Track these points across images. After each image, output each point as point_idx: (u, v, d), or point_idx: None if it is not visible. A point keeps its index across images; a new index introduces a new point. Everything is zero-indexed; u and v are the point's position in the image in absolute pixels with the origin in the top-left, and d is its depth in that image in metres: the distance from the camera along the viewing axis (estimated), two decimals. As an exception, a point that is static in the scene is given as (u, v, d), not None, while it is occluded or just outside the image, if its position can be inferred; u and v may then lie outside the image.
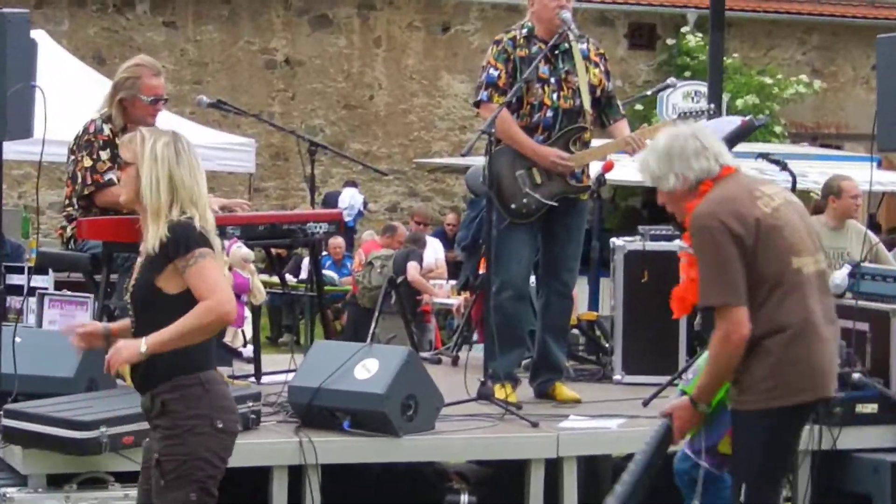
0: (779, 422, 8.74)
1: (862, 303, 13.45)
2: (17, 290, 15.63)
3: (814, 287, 8.69)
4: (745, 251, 8.51)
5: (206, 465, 8.47)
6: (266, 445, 11.36)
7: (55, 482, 9.73)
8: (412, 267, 24.36)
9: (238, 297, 13.14)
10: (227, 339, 14.38)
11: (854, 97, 31.61)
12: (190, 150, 8.48)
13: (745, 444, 8.84)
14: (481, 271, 13.97)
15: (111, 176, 12.13)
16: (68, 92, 14.39)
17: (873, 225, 28.06)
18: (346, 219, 27.25)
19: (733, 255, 8.50)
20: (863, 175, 19.49)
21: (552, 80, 12.74)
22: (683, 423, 8.98)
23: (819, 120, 32.28)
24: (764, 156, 16.96)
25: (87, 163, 12.25)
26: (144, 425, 10.86)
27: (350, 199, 27.94)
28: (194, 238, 8.28)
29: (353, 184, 27.92)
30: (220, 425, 8.52)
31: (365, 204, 28.77)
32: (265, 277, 14.38)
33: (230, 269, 12.84)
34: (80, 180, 12.29)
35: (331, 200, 26.74)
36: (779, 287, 8.57)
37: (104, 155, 12.26)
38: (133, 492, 10.66)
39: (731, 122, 14.57)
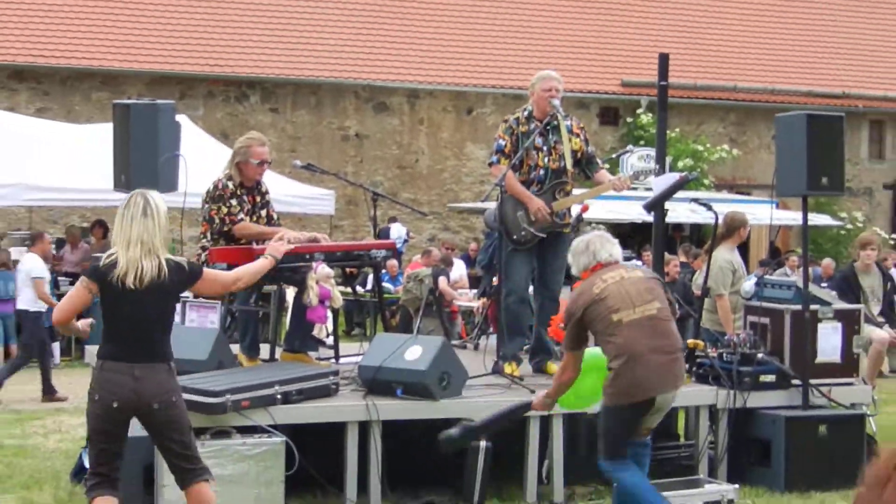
0: (614, 412, 9.95)
1: (764, 304, 13.55)
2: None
3: (633, 328, 9.73)
4: (581, 322, 9.89)
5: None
6: (342, 407, 11.42)
7: (196, 433, 9.72)
8: (443, 281, 24.38)
9: (322, 301, 13.17)
10: (315, 333, 14.40)
11: (760, 159, 31.44)
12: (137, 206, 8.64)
13: (603, 422, 10.09)
14: (494, 283, 14.03)
15: (241, 216, 12.26)
16: (202, 159, 14.44)
17: (774, 248, 28.01)
18: (398, 245, 27.31)
19: (574, 326, 9.97)
20: (766, 213, 19.49)
21: (544, 148, 12.80)
22: (538, 404, 10.56)
23: (735, 175, 32.16)
24: (696, 200, 16.99)
25: (224, 210, 12.29)
26: (258, 392, 11.01)
27: (397, 232, 27.94)
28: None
29: (394, 219, 27.92)
30: (97, 397, 8.66)
31: (407, 234, 28.74)
32: (342, 288, 14.36)
33: (317, 282, 12.96)
34: (216, 222, 12.33)
35: (383, 233, 26.75)
36: (609, 334, 9.78)
37: (234, 202, 12.33)
38: (250, 439, 10.79)
39: (672, 177, 14.63)
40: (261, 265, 10.08)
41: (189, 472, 8.84)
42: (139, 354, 8.61)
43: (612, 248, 10.21)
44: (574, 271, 10.43)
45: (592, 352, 10.22)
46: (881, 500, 1.64)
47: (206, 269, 9.17)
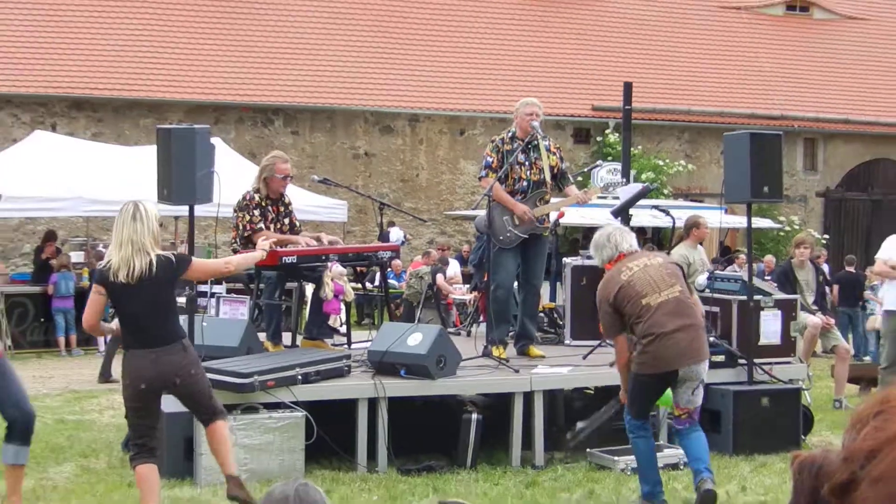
0: (640, 380, 9.80)
1: (715, 295, 13.57)
2: (203, 294, 15.74)
3: (661, 310, 9.57)
4: (614, 307, 9.71)
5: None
6: (354, 386, 11.43)
7: (228, 409, 9.72)
8: (440, 277, 24.37)
9: (336, 296, 13.19)
10: (330, 322, 14.42)
11: (711, 171, 31.41)
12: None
13: (632, 388, 9.86)
14: (484, 279, 14.03)
15: (261, 225, 12.30)
16: (233, 175, 14.44)
17: (724, 248, 27.99)
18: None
19: (609, 313, 9.79)
20: (716, 218, 19.49)
21: (526, 163, 12.82)
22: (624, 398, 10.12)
23: (690, 185, 32.16)
24: (656, 207, 17.01)
25: (247, 218, 12.35)
26: (281, 373, 11.02)
27: (395, 235, 27.91)
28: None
29: (393, 224, 27.91)
30: (127, 382, 8.81)
31: (405, 236, 28.69)
32: (353, 284, 14.35)
33: (332, 279, 12.96)
34: (241, 229, 12.40)
35: (384, 236, 26.75)
36: (639, 316, 9.58)
37: (256, 213, 12.37)
38: (276, 413, 10.78)
39: (636, 187, 14.69)
40: (251, 256, 10.46)
41: (209, 416, 9.09)
42: (152, 340, 8.73)
43: (632, 239, 10.14)
44: (597, 262, 10.30)
45: None
46: (858, 439, 1.61)
47: (194, 259, 9.21)
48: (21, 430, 9.44)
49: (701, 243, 16.23)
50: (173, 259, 8.78)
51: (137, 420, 8.97)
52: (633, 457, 11.55)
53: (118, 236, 8.63)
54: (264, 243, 10.59)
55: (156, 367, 8.68)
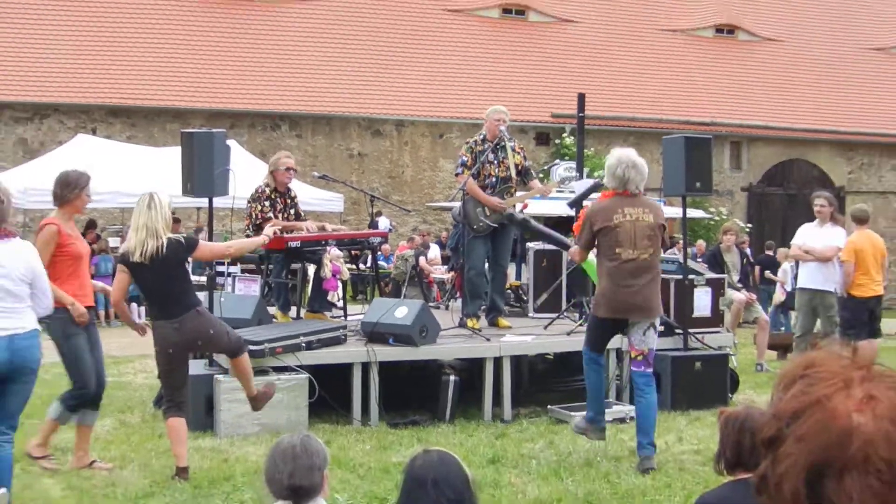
0: (595, 320, 9.74)
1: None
2: (221, 273, 15.73)
3: (628, 265, 9.34)
4: (593, 233, 9.46)
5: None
6: (349, 352, 11.44)
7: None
8: (422, 260, 24.45)
9: (334, 275, 13.20)
10: (329, 298, 14.43)
11: (652, 169, 31.11)
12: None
13: (588, 324, 10.05)
14: (460, 262, 14.04)
15: (270, 214, 12.35)
16: (246, 172, 14.45)
17: (663, 235, 28.01)
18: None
19: (588, 232, 9.51)
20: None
21: (495, 162, 12.84)
22: (573, 255, 10.37)
23: (634, 180, 32.13)
24: (605, 200, 17.01)
25: (258, 209, 12.40)
26: (288, 341, 11.03)
27: (383, 223, 27.88)
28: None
29: (380, 213, 27.88)
30: (157, 349, 8.96)
31: (391, 224, 28.67)
32: (349, 265, 14.37)
33: (330, 261, 12.97)
34: (253, 217, 12.43)
35: (373, 224, 26.71)
36: (608, 258, 9.38)
37: (266, 204, 12.44)
38: (283, 375, 10.78)
39: (589, 182, 14.68)
40: (254, 241, 10.77)
41: (232, 353, 9.32)
42: (171, 311, 8.82)
43: (640, 182, 9.71)
44: (605, 181, 9.97)
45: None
46: (785, 399, 1.61)
47: (201, 242, 9.40)
48: (95, 397, 9.50)
49: None
50: (182, 241, 8.83)
51: (168, 380, 9.11)
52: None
53: (135, 222, 8.74)
54: (269, 230, 10.71)
55: (180, 335, 8.80)
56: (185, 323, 8.80)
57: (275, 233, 11.03)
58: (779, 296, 23.26)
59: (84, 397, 9.37)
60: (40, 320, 8.04)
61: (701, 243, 26.96)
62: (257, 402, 9.72)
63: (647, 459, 9.39)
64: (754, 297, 16.98)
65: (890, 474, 1.53)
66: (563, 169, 21.38)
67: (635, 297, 9.38)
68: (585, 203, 14.52)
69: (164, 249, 8.58)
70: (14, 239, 7.78)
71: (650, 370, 9.66)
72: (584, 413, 10.06)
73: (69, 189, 9.28)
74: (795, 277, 17.59)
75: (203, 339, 9.09)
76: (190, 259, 9.67)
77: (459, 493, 4.11)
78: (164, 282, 8.76)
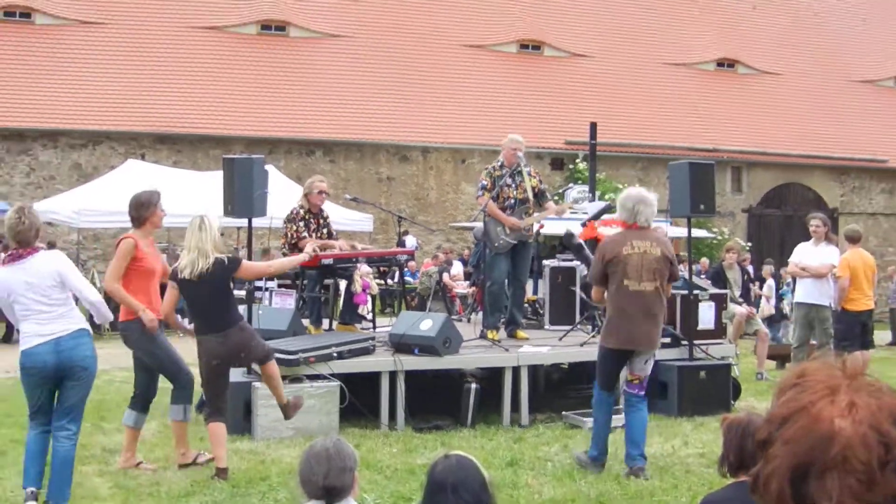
0: (602, 351, 9.39)
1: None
2: (259, 288, 15.70)
3: (635, 297, 9.06)
4: (604, 265, 9.09)
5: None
6: (378, 361, 11.37)
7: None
8: (445, 276, 24.38)
9: (364, 290, 13.14)
10: (359, 311, 14.37)
11: (659, 192, 31.01)
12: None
13: (598, 359, 9.54)
14: (481, 277, 14.00)
15: (304, 234, 12.30)
16: (282, 195, 14.45)
17: (668, 253, 27.92)
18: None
19: (599, 266, 9.15)
20: (663, 229, 19.40)
21: (513, 185, 12.81)
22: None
23: (642, 203, 32.01)
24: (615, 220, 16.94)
25: (293, 229, 12.37)
26: (320, 351, 10.97)
27: (410, 242, 27.89)
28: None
29: (407, 233, 27.85)
30: (203, 360, 8.99)
31: (417, 243, 28.68)
32: (377, 281, 14.33)
33: (361, 277, 12.92)
34: (289, 237, 12.40)
35: (400, 243, 26.66)
36: (616, 288, 9.07)
37: (301, 224, 12.40)
38: (316, 383, 10.71)
39: (600, 204, 14.65)
40: (293, 259, 10.58)
41: (262, 361, 9.35)
42: (216, 326, 8.81)
43: (650, 216, 9.30)
44: (617, 214, 9.61)
45: None
46: (777, 406, 1.61)
47: (244, 261, 9.26)
48: (146, 402, 9.66)
49: None
50: (226, 261, 8.79)
51: (210, 388, 9.08)
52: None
53: (187, 242, 8.79)
54: (309, 248, 10.66)
55: (224, 348, 8.81)
56: (229, 337, 8.82)
57: (314, 250, 11.01)
58: (766, 309, 23.09)
59: (191, 387, 9.45)
60: (120, 333, 8.46)
61: (705, 261, 26.83)
62: (288, 410, 9.69)
63: (641, 470, 9.16)
64: (755, 310, 16.89)
65: (867, 475, 1.54)
66: (576, 191, 21.34)
67: (640, 328, 9.15)
68: (596, 224, 14.56)
69: (211, 268, 8.60)
70: (37, 254, 7.80)
71: (643, 392, 9.49)
72: (588, 449, 9.66)
73: (144, 208, 9.40)
74: (792, 292, 17.53)
75: (245, 352, 9.10)
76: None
77: (477, 496, 4.13)
78: (209, 298, 8.76)
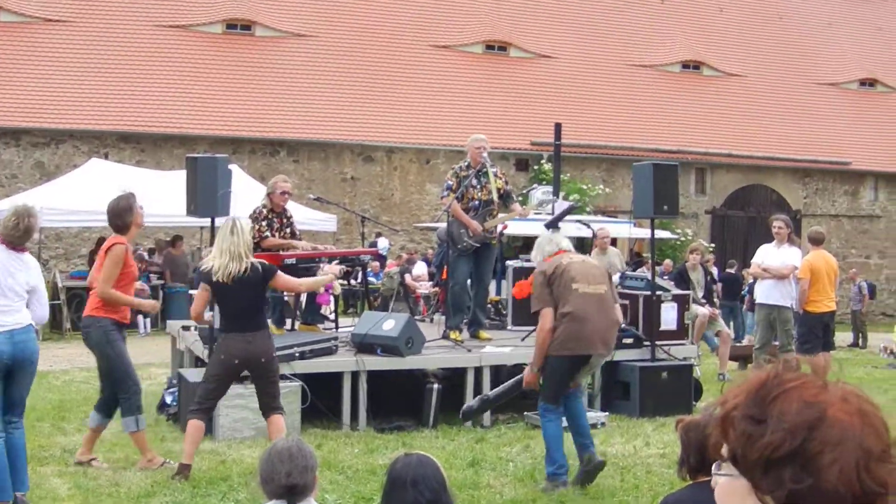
0: (557, 361, 8.87)
1: (625, 290, 13.55)
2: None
3: (587, 299, 8.80)
4: (549, 279, 8.79)
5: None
6: (339, 361, 11.40)
7: (240, 379, 9.67)
8: (408, 276, 24.38)
9: (327, 290, 13.12)
10: (322, 311, 14.36)
11: (623, 193, 31.41)
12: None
13: (547, 371, 8.95)
14: (444, 278, 14.00)
15: (267, 233, 12.25)
16: (244, 194, 14.41)
17: (634, 254, 28.05)
18: (382, 253, 27.25)
19: (542, 283, 8.84)
20: (627, 230, 19.49)
21: (478, 186, 12.83)
22: (529, 380, 9.15)
23: (606, 204, 32.14)
24: (580, 221, 17.02)
25: (256, 228, 12.33)
26: (283, 351, 10.92)
27: (383, 243, 27.87)
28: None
29: (380, 234, 27.83)
30: (222, 357, 8.99)
31: (389, 244, 28.71)
32: (340, 281, 14.32)
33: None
34: (253, 236, 12.37)
35: (373, 244, 26.66)
36: (566, 297, 8.75)
37: (264, 224, 12.36)
38: (280, 383, 10.68)
39: (564, 204, 14.70)
40: (321, 279, 10.26)
41: (271, 406, 9.08)
42: (246, 326, 8.80)
43: (569, 242, 9.32)
44: (539, 259, 9.22)
45: None
46: (789, 414, 1.68)
47: (279, 273, 9.15)
48: (113, 404, 9.63)
49: (605, 250, 16.41)
50: (260, 268, 8.79)
51: (212, 386, 9.09)
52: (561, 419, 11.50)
53: (219, 246, 8.81)
54: (335, 268, 10.62)
55: (249, 348, 8.81)
56: (256, 339, 8.84)
57: (339, 271, 10.96)
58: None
59: (139, 395, 9.45)
60: (82, 329, 8.89)
61: (668, 262, 26.94)
62: None
63: (595, 456, 9.01)
64: (717, 311, 16.97)
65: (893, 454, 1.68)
66: (540, 192, 21.41)
67: (598, 330, 8.87)
68: (561, 224, 14.60)
69: (247, 272, 8.65)
70: (25, 253, 8.22)
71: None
72: (548, 474, 9.05)
73: (127, 214, 9.41)
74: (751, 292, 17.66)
75: (266, 358, 8.97)
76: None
77: (436, 493, 4.16)
78: (242, 301, 8.78)
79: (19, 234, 8.09)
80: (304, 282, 10.03)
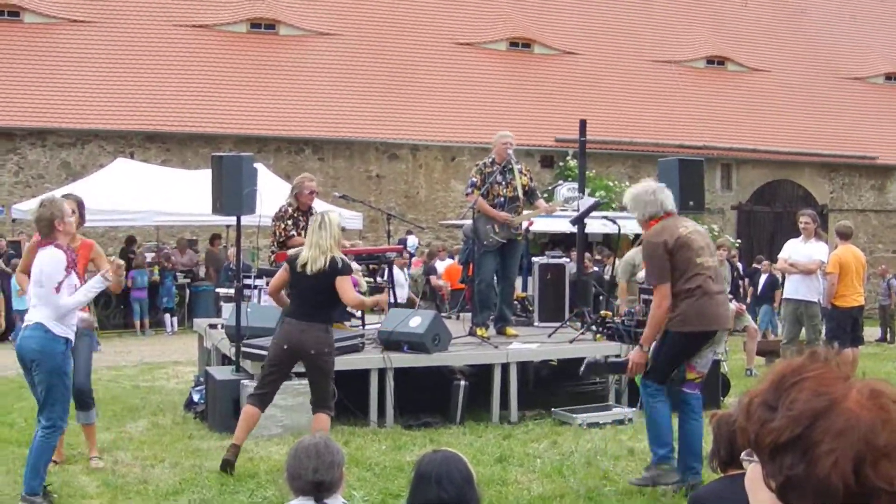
0: (677, 337, 8.25)
1: (652, 286, 13.48)
2: (248, 286, 15.63)
3: (709, 272, 8.16)
4: (670, 252, 8.11)
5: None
6: (367, 358, 11.37)
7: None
8: (433, 278, 24.38)
9: (353, 287, 13.12)
10: (349, 309, 14.34)
11: (648, 189, 31.22)
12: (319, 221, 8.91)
13: (659, 347, 8.33)
14: (470, 275, 13.99)
15: (293, 232, 12.25)
16: (271, 193, 14.41)
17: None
18: (411, 250, 27.28)
19: (663, 257, 8.13)
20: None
21: (503, 183, 12.79)
22: (636, 361, 8.40)
23: (632, 200, 31.97)
24: (606, 217, 16.95)
25: (282, 227, 12.34)
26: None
27: (412, 241, 27.88)
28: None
29: (410, 232, 27.83)
30: (275, 341, 9.13)
31: (418, 242, 28.74)
32: (367, 278, 14.28)
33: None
34: (277, 235, 12.38)
35: (402, 241, 26.65)
36: (690, 272, 8.10)
37: (290, 222, 12.36)
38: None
39: (590, 200, 14.61)
40: (369, 302, 9.98)
41: (318, 404, 9.09)
42: (307, 315, 8.86)
43: (673, 200, 8.55)
44: (637, 217, 8.49)
45: None
46: (797, 402, 1.67)
47: (348, 276, 9.08)
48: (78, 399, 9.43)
49: None
50: (340, 264, 8.83)
51: (268, 371, 9.16)
52: (589, 415, 11.51)
53: (309, 239, 8.92)
54: (381, 298, 10.38)
55: (301, 335, 8.84)
56: (312, 328, 8.86)
57: (384, 303, 10.81)
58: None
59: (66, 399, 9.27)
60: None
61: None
62: None
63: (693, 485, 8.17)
64: (744, 307, 16.90)
65: None
66: (566, 189, 21.43)
67: (722, 304, 8.32)
68: (587, 221, 14.57)
69: (328, 266, 8.73)
70: (47, 247, 8.11)
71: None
72: (650, 460, 8.66)
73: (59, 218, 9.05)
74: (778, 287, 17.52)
75: (317, 351, 8.89)
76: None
77: (459, 489, 4.18)
78: (314, 292, 8.82)
79: (35, 222, 8.23)
80: (357, 298, 9.68)
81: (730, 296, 16.18)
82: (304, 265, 8.77)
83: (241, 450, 9.12)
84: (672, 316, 8.13)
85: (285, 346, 8.92)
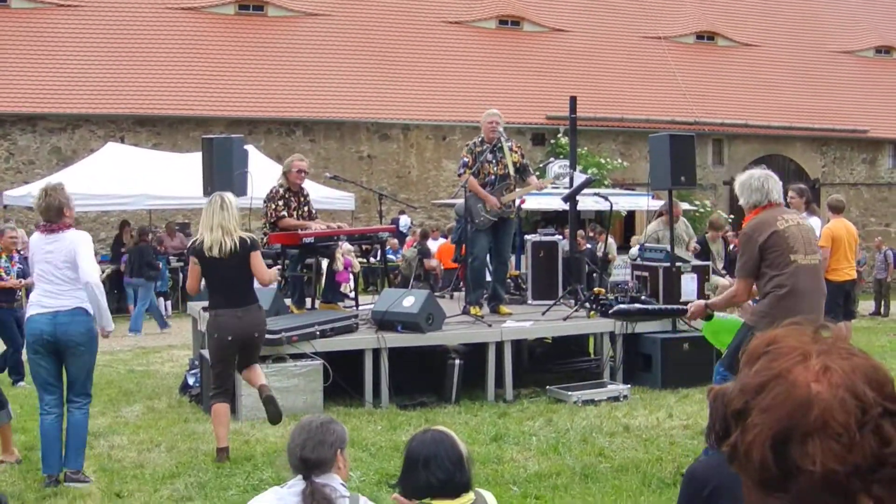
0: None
1: (645, 262, 13.52)
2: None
3: (804, 271, 7.81)
4: (761, 249, 7.81)
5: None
6: (361, 339, 11.38)
7: (262, 359, 9.68)
8: (426, 261, 24.37)
9: (346, 268, 13.13)
10: (342, 289, 14.35)
11: (640, 166, 31.35)
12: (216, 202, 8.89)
13: (741, 339, 7.86)
14: (462, 254, 13.98)
15: (283, 213, 12.22)
16: (262, 174, 14.36)
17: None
18: (403, 230, 27.22)
19: (754, 253, 7.87)
20: (645, 202, 19.42)
21: (494, 161, 12.78)
22: (694, 310, 8.11)
23: (624, 177, 32.06)
24: (598, 194, 16.96)
25: (272, 208, 12.30)
26: (303, 330, 10.95)
27: (405, 221, 27.80)
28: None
29: (403, 212, 27.75)
30: (215, 336, 8.98)
31: (410, 222, 28.69)
32: (360, 259, 14.32)
33: (342, 255, 12.90)
34: (269, 216, 12.34)
35: (395, 221, 26.59)
36: (782, 267, 7.77)
37: (280, 203, 12.31)
38: (300, 362, 10.69)
39: (582, 176, 14.63)
40: (274, 274, 9.78)
41: (251, 362, 9.25)
42: (237, 301, 8.87)
43: (780, 190, 8.18)
44: (742, 202, 8.27)
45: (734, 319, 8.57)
46: (750, 374, 1.65)
47: (255, 252, 8.99)
48: None
49: (678, 218, 15.91)
50: (248, 241, 8.87)
51: (219, 368, 9.12)
52: (584, 392, 11.53)
53: (209, 221, 8.81)
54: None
55: (243, 323, 8.88)
56: (248, 313, 8.92)
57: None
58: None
59: None
60: None
61: (695, 245, 26.84)
62: (267, 390, 9.34)
63: None
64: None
65: (847, 437, 1.57)
66: (557, 166, 21.34)
67: (813, 305, 7.88)
68: (579, 198, 14.56)
69: (238, 246, 8.72)
70: (66, 231, 8.25)
71: None
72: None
73: None
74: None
75: (259, 333, 9.09)
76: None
77: (449, 473, 4.18)
78: (234, 275, 8.82)
79: (42, 210, 8.28)
80: (271, 274, 9.57)
81: (723, 271, 16.27)
82: (211, 249, 8.70)
83: (226, 439, 9.04)
84: (761, 315, 7.82)
85: (230, 338, 8.90)
